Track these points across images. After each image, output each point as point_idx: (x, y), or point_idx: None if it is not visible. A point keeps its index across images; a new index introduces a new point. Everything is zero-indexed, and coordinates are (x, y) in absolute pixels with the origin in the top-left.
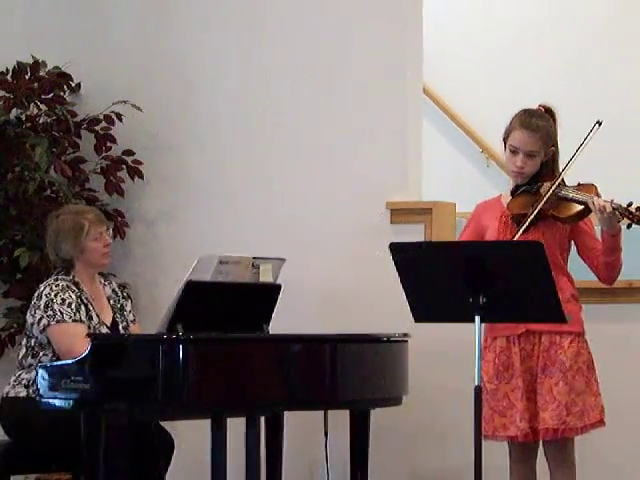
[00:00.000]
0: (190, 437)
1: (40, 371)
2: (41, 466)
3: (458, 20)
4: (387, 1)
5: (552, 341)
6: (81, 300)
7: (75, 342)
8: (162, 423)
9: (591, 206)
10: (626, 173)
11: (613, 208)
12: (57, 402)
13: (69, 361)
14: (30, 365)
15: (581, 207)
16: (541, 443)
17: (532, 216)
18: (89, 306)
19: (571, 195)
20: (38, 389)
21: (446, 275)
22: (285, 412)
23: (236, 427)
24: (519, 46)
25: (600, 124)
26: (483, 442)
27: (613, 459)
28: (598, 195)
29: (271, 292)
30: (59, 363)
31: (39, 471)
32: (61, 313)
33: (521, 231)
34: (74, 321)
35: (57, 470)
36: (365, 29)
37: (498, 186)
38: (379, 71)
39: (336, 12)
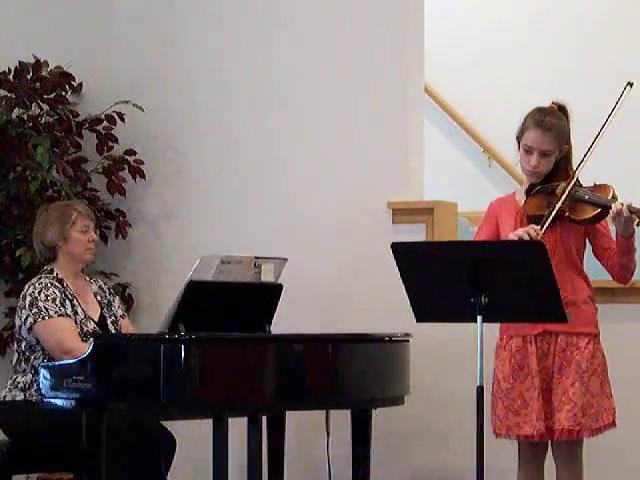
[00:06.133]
0: (192, 436)
1: (42, 371)
2: (43, 466)
3: (460, 19)
4: (388, 0)
5: (569, 342)
6: (65, 295)
7: (63, 336)
8: (164, 422)
9: (609, 210)
10: (637, 172)
11: (630, 212)
12: (59, 402)
13: (71, 361)
14: (24, 370)
15: (598, 210)
16: (549, 442)
17: (549, 220)
18: (74, 301)
19: (587, 197)
20: (39, 389)
21: (448, 275)
22: (287, 412)
23: (238, 427)
24: (521, 45)
25: (631, 85)
26: (486, 443)
27: (617, 458)
28: (614, 196)
29: (273, 292)
30: (61, 363)
31: (41, 471)
32: (46, 309)
33: (544, 229)
34: (60, 315)
35: (59, 470)
36: (366, 28)
37: (500, 186)
38: (380, 70)
39: (337, 12)
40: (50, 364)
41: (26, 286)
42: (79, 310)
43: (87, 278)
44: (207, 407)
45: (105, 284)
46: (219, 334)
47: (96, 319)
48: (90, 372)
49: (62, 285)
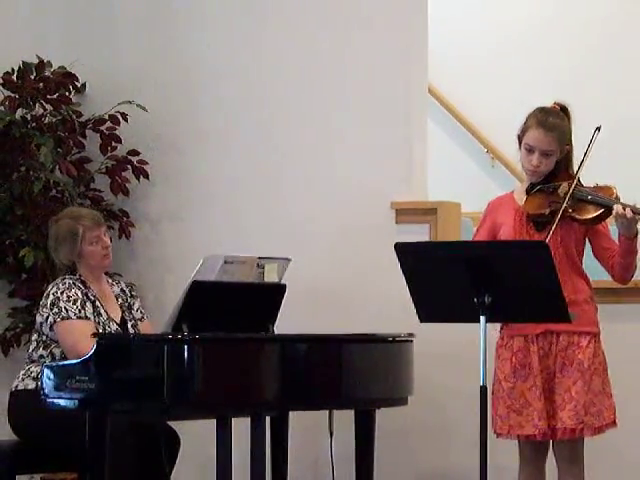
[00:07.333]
0: (196, 435)
1: (45, 371)
2: (47, 465)
3: (463, 19)
4: (392, 1)
5: (570, 341)
6: (87, 297)
7: (79, 340)
8: (168, 422)
9: (612, 210)
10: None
11: (634, 212)
12: (62, 402)
13: (74, 361)
14: (41, 356)
15: (600, 210)
16: (551, 441)
17: (557, 221)
18: (97, 303)
19: (590, 197)
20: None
21: (451, 275)
22: (290, 412)
23: (241, 426)
24: (524, 46)
25: (599, 129)
26: (489, 442)
27: (617, 459)
28: (617, 197)
29: (276, 292)
30: (64, 363)
31: (45, 471)
32: (66, 310)
33: (549, 237)
34: (79, 318)
35: (62, 470)
36: (369, 28)
37: (503, 186)
38: (384, 71)
39: (341, 12)
40: (54, 364)
41: (50, 285)
42: (102, 311)
43: (109, 280)
44: (210, 407)
45: (127, 286)
46: (222, 334)
47: (118, 321)
48: (93, 372)
49: (85, 286)
